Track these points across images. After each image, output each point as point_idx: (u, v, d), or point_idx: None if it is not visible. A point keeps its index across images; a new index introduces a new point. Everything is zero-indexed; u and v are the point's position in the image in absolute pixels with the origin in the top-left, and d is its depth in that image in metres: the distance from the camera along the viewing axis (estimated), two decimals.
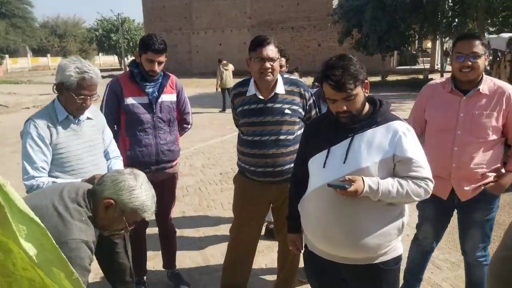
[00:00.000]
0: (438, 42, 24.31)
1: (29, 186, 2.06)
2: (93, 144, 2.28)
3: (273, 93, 2.46)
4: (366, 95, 1.79)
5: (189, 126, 3.16)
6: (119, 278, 2.48)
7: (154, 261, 3.40)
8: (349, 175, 1.68)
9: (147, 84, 2.75)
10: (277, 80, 2.47)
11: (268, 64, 2.34)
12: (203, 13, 33.28)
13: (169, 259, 3.23)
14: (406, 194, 1.69)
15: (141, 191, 1.64)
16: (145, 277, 3.12)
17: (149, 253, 3.21)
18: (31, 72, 40.87)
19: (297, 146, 2.46)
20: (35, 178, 2.07)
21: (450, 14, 18.82)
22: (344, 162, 1.74)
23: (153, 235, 3.37)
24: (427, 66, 26.32)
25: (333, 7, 24.13)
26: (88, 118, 2.29)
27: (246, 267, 2.82)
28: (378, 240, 1.73)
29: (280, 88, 2.48)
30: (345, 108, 1.72)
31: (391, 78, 21.63)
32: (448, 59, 29.59)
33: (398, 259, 1.86)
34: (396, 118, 1.81)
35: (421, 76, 21.42)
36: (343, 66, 1.68)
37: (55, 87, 2.16)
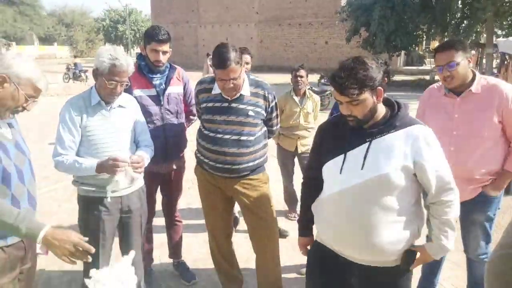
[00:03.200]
0: None
1: (56, 162, 2.25)
2: (120, 131, 2.34)
3: (238, 94, 2.49)
4: (378, 102, 1.71)
5: (195, 117, 3.18)
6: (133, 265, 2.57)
7: (161, 250, 3.46)
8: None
9: (154, 76, 2.79)
10: (243, 80, 2.49)
11: (231, 84, 2.36)
12: (211, 6, 33.26)
13: (175, 249, 3.30)
14: (453, 220, 1.75)
15: (28, 63, 1.76)
16: (151, 266, 3.20)
17: (156, 243, 3.27)
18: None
19: (257, 147, 2.54)
20: (61, 155, 2.22)
21: (459, 16, 18.71)
22: (362, 168, 1.69)
23: (159, 226, 3.43)
24: (434, 66, 26.22)
25: (342, 4, 24.04)
26: (120, 106, 2.37)
27: (228, 248, 2.90)
28: (394, 246, 1.71)
29: (246, 90, 2.50)
30: (350, 112, 1.69)
31: (397, 78, 21.56)
32: None
33: None
34: (416, 122, 1.75)
35: (427, 77, 21.32)
36: (351, 69, 1.63)
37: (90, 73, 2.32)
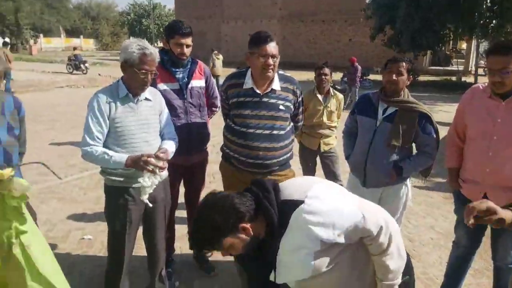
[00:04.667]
0: (473, 43, 23.53)
1: (84, 152, 2.29)
2: (147, 123, 2.40)
3: (270, 88, 2.50)
4: (248, 236, 1.47)
5: (217, 109, 3.24)
6: (156, 254, 2.67)
7: (182, 242, 3.52)
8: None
9: (177, 70, 2.85)
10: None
11: (271, 61, 2.38)
12: (234, 2, 33.27)
13: None
14: (382, 260, 1.52)
15: None
16: (172, 256, 3.26)
17: (177, 234, 3.34)
18: (64, 52, 41.86)
19: (287, 141, 2.57)
20: (90, 146, 2.27)
21: (487, 15, 18.17)
22: None
23: (181, 217, 3.50)
24: (461, 68, 25.54)
25: (366, 1, 23.71)
26: (146, 99, 2.42)
27: None
28: None
29: (276, 84, 2.52)
30: (227, 254, 1.54)
31: (422, 78, 21.14)
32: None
33: None
34: (290, 209, 1.45)
35: (454, 78, 20.85)
36: (195, 232, 1.50)
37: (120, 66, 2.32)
